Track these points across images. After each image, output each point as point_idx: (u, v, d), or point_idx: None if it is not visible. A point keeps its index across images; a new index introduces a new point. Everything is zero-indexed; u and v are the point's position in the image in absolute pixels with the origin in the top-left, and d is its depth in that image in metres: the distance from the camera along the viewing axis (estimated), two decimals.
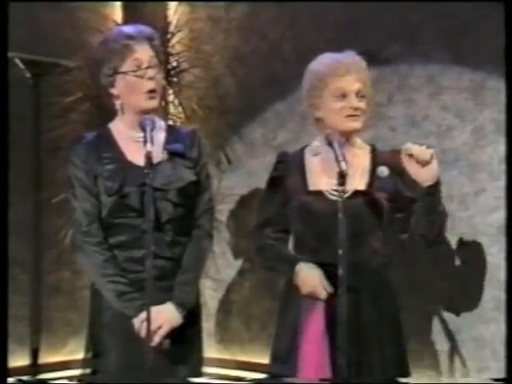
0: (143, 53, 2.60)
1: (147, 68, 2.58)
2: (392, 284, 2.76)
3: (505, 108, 2.96)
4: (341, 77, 2.71)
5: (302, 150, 2.83)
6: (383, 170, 2.65)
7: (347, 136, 2.71)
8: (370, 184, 2.72)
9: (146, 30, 2.66)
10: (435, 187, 2.63)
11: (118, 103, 2.67)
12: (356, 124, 2.72)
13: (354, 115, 2.71)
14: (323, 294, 2.63)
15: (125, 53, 2.58)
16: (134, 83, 2.59)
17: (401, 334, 2.76)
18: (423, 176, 2.61)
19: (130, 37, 2.60)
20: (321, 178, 2.74)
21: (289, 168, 2.78)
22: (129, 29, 2.65)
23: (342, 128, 2.72)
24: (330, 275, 2.60)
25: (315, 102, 2.74)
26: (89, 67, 3.14)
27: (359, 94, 2.72)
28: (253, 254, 2.94)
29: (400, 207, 2.74)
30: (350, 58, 2.76)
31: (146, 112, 2.60)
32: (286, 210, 2.76)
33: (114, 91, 2.65)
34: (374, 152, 2.80)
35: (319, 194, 2.72)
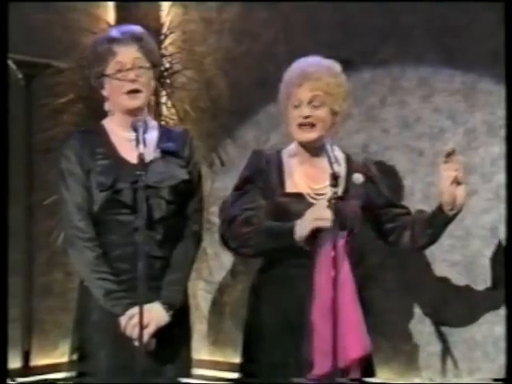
0: (125, 55, 2.65)
1: (128, 70, 2.64)
2: None
3: (505, 106, 2.95)
4: (298, 86, 2.70)
5: (279, 152, 2.82)
6: (358, 177, 2.64)
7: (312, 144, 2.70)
8: (346, 190, 2.72)
9: (134, 30, 2.71)
10: (454, 216, 2.70)
11: (108, 104, 2.72)
12: (309, 135, 2.70)
13: (305, 124, 2.69)
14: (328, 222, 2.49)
15: (107, 56, 2.65)
16: (117, 85, 2.65)
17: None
18: (457, 195, 2.64)
19: (113, 40, 2.67)
20: (301, 181, 2.73)
21: (265, 167, 2.76)
22: (114, 31, 2.72)
23: (297, 138, 2.73)
24: (298, 276, 2.64)
25: (283, 112, 2.77)
26: (84, 68, 3.18)
27: (313, 103, 2.69)
28: (234, 247, 2.74)
29: (379, 214, 2.76)
30: (313, 65, 2.72)
31: (130, 111, 2.65)
32: (257, 211, 2.70)
33: (104, 93, 2.71)
34: (350, 160, 2.79)
35: (298, 196, 2.70)
